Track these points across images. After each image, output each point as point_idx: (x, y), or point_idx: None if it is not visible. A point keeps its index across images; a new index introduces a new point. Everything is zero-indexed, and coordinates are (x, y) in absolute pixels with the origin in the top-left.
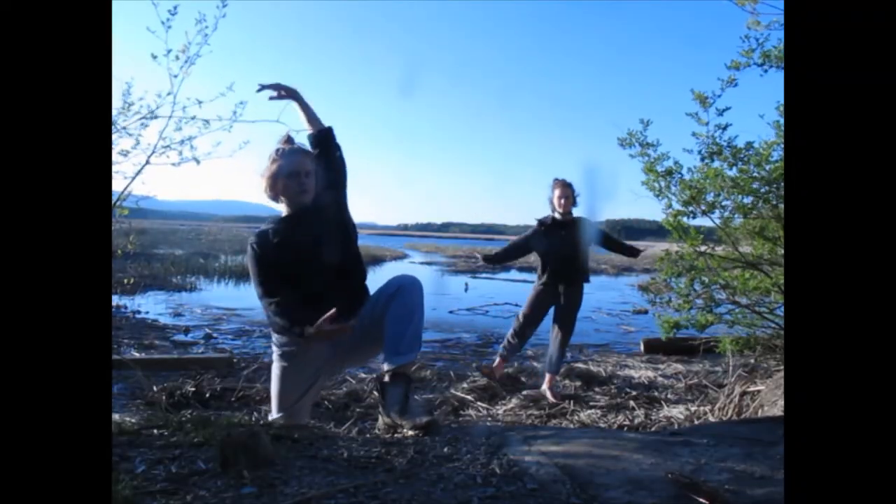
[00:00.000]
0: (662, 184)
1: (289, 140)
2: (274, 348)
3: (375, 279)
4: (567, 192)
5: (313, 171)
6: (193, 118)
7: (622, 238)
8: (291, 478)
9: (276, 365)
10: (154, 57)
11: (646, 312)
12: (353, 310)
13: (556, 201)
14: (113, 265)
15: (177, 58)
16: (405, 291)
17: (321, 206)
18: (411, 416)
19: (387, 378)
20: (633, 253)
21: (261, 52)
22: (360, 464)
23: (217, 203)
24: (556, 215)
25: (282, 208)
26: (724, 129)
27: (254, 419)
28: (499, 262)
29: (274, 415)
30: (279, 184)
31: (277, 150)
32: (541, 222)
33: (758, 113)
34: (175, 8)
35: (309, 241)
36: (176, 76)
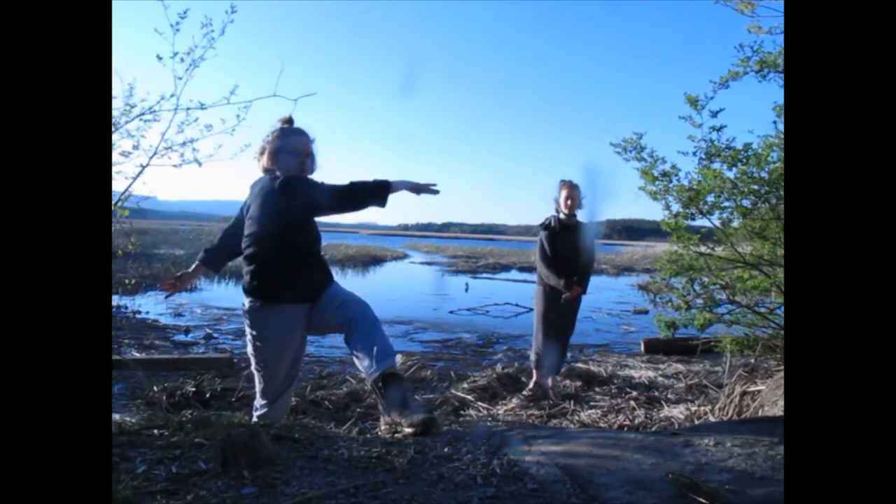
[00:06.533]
0: (660, 186)
1: (290, 120)
2: (248, 319)
3: (375, 279)
4: (573, 193)
5: (313, 153)
6: (196, 120)
7: (622, 238)
8: (292, 478)
9: (252, 336)
10: (159, 58)
11: (646, 312)
12: (322, 284)
13: (561, 202)
14: (113, 265)
15: (182, 60)
16: (356, 323)
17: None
18: (411, 415)
19: (380, 383)
20: (579, 288)
21: (262, 53)
22: (360, 464)
23: (218, 203)
24: (561, 216)
25: None
26: (719, 130)
27: (254, 419)
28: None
29: (259, 393)
30: (282, 158)
31: (282, 127)
32: (545, 226)
33: (756, 115)
34: (185, 11)
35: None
36: (180, 78)
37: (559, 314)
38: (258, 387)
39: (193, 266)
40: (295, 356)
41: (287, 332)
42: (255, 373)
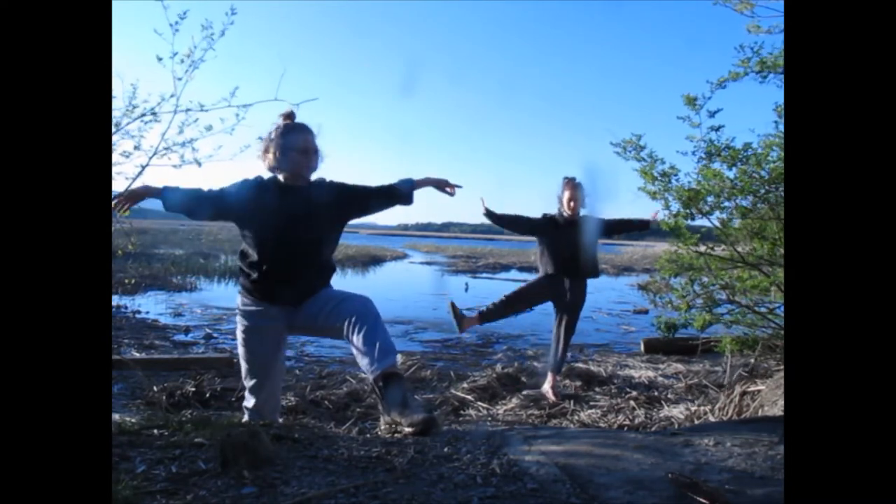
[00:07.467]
0: (659, 186)
1: (291, 115)
2: (238, 315)
3: (375, 279)
4: (576, 194)
5: (318, 149)
6: (196, 121)
7: (622, 238)
8: (291, 478)
9: (238, 330)
10: (159, 59)
11: (646, 312)
12: (314, 287)
13: (564, 202)
14: (113, 265)
15: (182, 61)
16: (357, 319)
17: (319, 192)
18: (410, 415)
19: (380, 382)
20: (644, 225)
21: (261, 52)
22: (360, 464)
23: None
24: (565, 213)
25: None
26: (717, 130)
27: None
28: (498, 221)
29: (245, 383)
30: (288, 156)
31: (287, 124)
32: (549, 219)
33: (756, 115)
34: (185, 13)
35: (295, 213)
36: (180, 79)
37: (541, 296)
38: (242, 372)
39: (154, 188)
40: (275, 346)
41: (270, 323)
42: (241, 363)
